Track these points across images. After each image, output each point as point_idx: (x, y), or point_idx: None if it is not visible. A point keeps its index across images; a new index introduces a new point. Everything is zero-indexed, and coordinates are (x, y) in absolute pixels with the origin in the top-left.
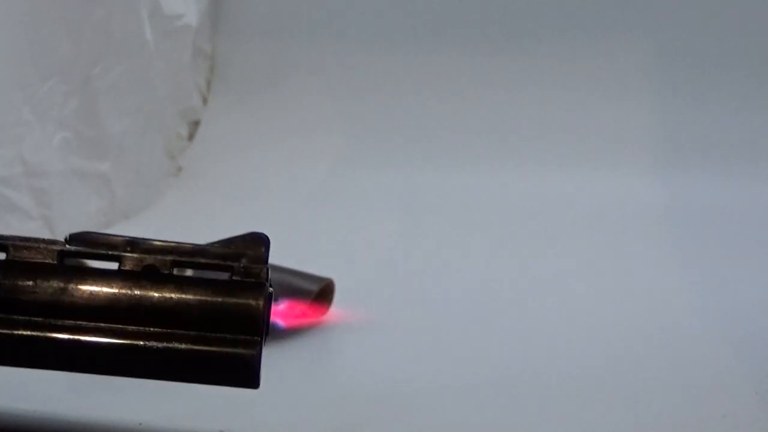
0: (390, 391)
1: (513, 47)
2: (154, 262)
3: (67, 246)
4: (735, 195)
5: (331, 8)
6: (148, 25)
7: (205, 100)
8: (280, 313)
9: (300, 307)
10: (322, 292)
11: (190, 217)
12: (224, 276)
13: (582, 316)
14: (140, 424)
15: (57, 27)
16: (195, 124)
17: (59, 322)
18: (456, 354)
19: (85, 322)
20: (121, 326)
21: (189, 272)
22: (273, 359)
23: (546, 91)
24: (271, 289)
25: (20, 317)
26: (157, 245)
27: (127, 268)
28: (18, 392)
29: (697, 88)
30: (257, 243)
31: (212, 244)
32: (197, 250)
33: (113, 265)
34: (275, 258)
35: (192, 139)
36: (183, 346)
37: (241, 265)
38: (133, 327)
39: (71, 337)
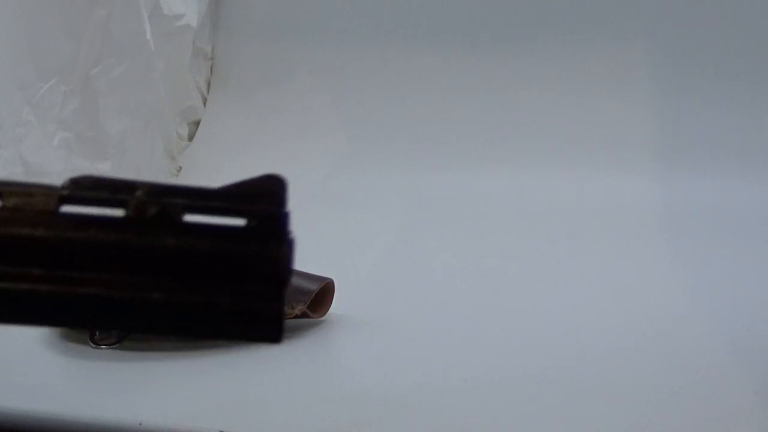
0: (390, 391)
1: (513, 48)
2: (164, 207)
3: (67, 191)
4: (735, 195)
5: (330, 9)
6: (148, 25)
7: (205, 100)
8: None
9: None
10: (322, 292)
11: None
12: (240, 222)
13: (581, 317)
14: (140, 424)
15: (57, 27)
16: (195, 124)
17: (58, 274)
18: (455, 354)
19: (87, 274)
20: (126, 278)
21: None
22: (273, 359)
23: (546, 91)
24: (292, 235)
25: (15, 269)
26: (166, 188)
27: (133, 214)
28: (18, 392)
29: (697, 88)
30: (275, 185)
31: (224, 187)
32: (210, 194)
33: (119, 213)
34: None
35: (192, 139)
36: (197, 298)
37: (259, 209)
38: (141, 279)
39: (71, 290)
